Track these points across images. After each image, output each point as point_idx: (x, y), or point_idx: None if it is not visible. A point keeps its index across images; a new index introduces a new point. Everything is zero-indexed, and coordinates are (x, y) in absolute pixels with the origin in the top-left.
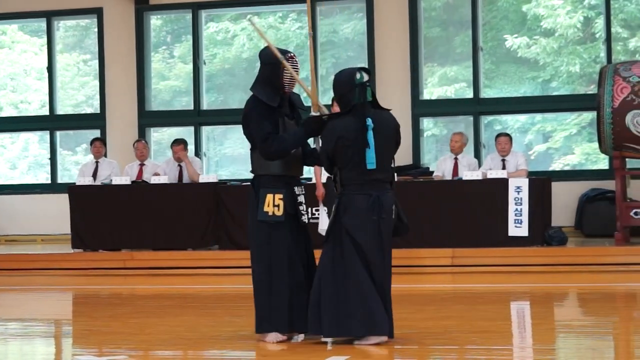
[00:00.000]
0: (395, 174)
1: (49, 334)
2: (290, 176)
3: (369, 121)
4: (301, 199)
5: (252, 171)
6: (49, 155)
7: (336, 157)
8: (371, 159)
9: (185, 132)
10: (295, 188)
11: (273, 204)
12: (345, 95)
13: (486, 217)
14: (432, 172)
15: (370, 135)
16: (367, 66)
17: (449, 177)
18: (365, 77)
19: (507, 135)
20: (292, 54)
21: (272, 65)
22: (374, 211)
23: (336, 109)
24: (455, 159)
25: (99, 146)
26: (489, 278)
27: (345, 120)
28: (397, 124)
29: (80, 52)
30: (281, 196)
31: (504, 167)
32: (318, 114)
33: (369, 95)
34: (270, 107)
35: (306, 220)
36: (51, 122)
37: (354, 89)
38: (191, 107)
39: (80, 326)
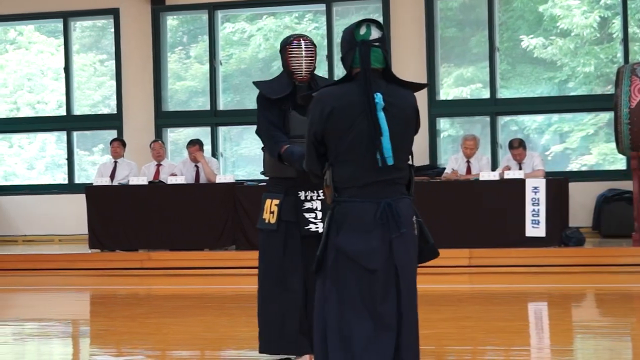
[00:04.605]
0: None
1: (66, 334)
2: (297, 179)
3: (378, 97)
4: (312, 204)
5: (261, 173)
6: (66, 156)
7: (327, 144)
8: (388, 151)
9: (202, 133)
10: (302, 193)
11: (270, 210)
12: (344, 58)
13: (503, 218)
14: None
15: (382, 117)
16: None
17: (462, 173)
18: (374, 34)
19: (521, 144)
20: (296, 37)
21: (281, 51)
22: (386, 225)
23: None
24: (468, 161)
25: (117, 146)
26: (506, 278)
27: (342, 90)
28: (416, 104)
29: (96, 52)
30: (277, 202)
31: (520, 168)
32: None
33: (375, 60)
34: (272, 100)
35: (317, 229)
36: (68, 123)
37: (354, 48)
38: (207, 108)
39: (98, 326)
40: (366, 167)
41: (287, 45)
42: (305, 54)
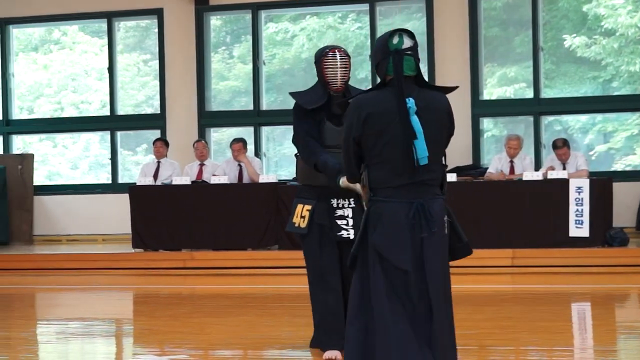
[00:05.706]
0: (447, 175)
1: (109, 333)
2: (330, 187)
3: (410, 102)
4: (344, 212)
5: (294, 179)
6: (109, 155)
7: (363, 148)
8: (423, 152)
9: (245, 132)
10: (334, 200)
11: (300, 214)
12: (379, 66)
13: (547, 218)
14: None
15: (415, 120)
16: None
17: (505, 173)
18: (406, 43)
19: (565, 144)
20: (331, 48)
21: (316, 62)
22: (418, 225)
23: None
24: (511, 161)
25: (160, 146)
26: (549, 279)
27: (377, 96)
28: (449, 107)
29: (140, 52)
30: (309, 207)
31: (564, 168)
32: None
33: (407, 68)
34: (307, 111)
35: (348, 236)
36: (112, 122)
37: (388, 56)
38: (251, 108)
39: (141, 326)
40: (400, 169)
41: (322, 57)
42: (340, 65)
